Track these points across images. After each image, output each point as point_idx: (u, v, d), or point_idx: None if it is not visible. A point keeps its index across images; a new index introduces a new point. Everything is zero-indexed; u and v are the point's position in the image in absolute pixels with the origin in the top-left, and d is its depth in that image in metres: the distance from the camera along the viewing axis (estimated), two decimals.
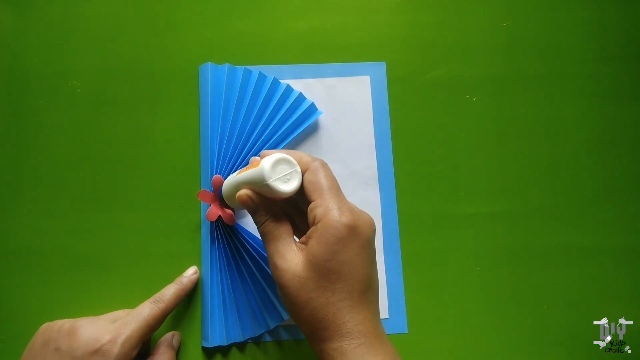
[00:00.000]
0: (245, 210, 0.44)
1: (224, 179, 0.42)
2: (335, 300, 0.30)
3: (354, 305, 0.31)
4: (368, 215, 0.33)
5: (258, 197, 0.34)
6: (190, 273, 0.42)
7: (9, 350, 0.41)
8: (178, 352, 0.41)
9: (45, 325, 0.37)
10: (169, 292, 0.39)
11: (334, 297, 0.30)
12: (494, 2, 0.49)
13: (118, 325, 0.35)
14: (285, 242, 0.32)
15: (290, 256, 0.32)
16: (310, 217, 0.32)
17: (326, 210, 0.31)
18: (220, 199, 0.41)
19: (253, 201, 0.34)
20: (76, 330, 0.34)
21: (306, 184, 0.33)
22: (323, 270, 0.30)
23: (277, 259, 0.32)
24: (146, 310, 0.37)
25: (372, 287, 0.32)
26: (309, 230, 0.32)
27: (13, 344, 0.41)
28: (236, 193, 0.34)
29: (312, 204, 0.32)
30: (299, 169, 0.33)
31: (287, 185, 0.32)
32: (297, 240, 0.34)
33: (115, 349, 0.33)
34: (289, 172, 0.32)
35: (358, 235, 0.31)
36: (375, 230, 0.33)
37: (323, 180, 0.32)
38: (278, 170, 0.32)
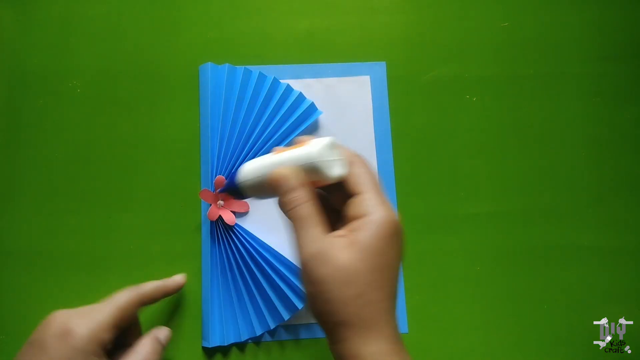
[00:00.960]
0: (248, 209, 0.44)
1: (224, 177, 0.42)
2: (381, 299, 0.28)
3: (394, 307, 0.29)
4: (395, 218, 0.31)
5: (301, 174, 0.30)
6: (177, 277, 0.41)
7: (9, 350, 0.41)
8: (179, 353, 0.41)
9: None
10: (149, 284, 0.38)
11: (380, 295, 0.28)
12: (494, 2, 0.49)
13: (90, 309, 0.35)
14: (324, 230, 0.29)
15: (335, 246, 0.28)
16: (354, 210, 0.30)
17: (378, 204, 0.29)
18: (230, 190, 0.36)
19: (295, 177, 0.30)
20: (53, 317, 0.34)
21: (351, 177, 0.30)
22: (373, 265, 0.28)
23: (316, 248, 0.28)
24: (121, 296, 0.36)
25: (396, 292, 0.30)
26: (355, 223, 0.29)
27: (13, 344, 0.41)
28: (268, 174, 0.31)
29: (359, 196, 0.30)
30: (344, 158, 0.31)
31: (334, 170, 0.30)
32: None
33: (83, 330, 0.33)
34: (336, 158, 0.30)
35: (401, 237, 0.30)
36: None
37: (370, 174, 0.31)
38: (327, 154, 0.30)
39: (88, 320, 0.33)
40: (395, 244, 0.29)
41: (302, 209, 0.30)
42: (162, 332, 0.38)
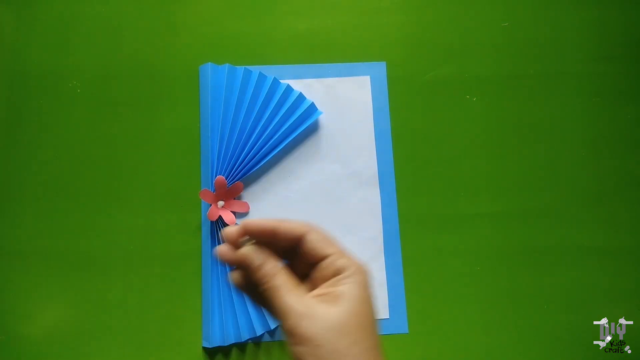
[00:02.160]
0: (248, 209, 0.44)
1: (225, 177, 0.43)
2: (372, 346, 0.29)
3: (381, 352, 0.30)
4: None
5: (263, 247, 0.32)
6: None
7: (9, 350, 0.41)
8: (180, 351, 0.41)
9: None
10: None
11: (371, 342, 0.29)
12: (494, 2, 0.49)
13: None
14: (302, 291, 0.31)
15: (321, 303, 0.30)
16: (326, 270, 0.31)
17: (349, 259, 0.31)
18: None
19: (257, 255, 0.31)
20: None
21: (315, 242, 0.32)
22: (362, 313, 0.30)
23: (303, 308, 0.30)
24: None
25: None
26: (332, 280, 0.31)
27: (13, 344, 0.41)
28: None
29: (331, 257, 0.32)
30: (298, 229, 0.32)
31: None
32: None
33: None
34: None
35: (371, 295, 0.32)
36: None
37: (328, 237, 0.32)
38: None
39: None
40: (371, 291, 0.31)
41: (277, 279, 0.31)
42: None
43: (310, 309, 0.29)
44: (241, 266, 0.32)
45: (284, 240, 0.32)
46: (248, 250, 0.31)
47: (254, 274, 0.31)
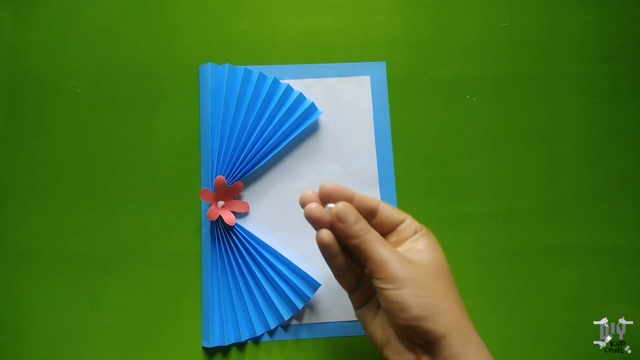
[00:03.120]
0: (248, 209, 0.44)
1: (225, 177, 0.43)
2: (457, 291, 0.33)
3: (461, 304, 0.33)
4: None
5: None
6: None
7: (9, 350, 0.41)
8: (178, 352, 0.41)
9: None
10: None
11: (456, 287, 0.33)
12: (494, 2, 0.49)
13: None
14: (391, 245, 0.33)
15: (413, 250, 0.33)
16: (409, 231, 0.34)
17: (418, 223, 0.35)
18: None
19: (354, 211, 0.33)
20: None
21: (389, 211, 0.34)
22: (446, 264, 0.33)
23: (401, 257, 0.31)
24: None
25: None
26: (413, 239, 0.34)
27: (13, 344, 0.41)
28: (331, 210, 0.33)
29: (407, 222, 0.34)
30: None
31: None
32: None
33: None
34: None
35: None
36: None
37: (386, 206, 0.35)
38: None
39: None
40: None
41: (372, 232, 0.32)
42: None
43: (408, 256, 0.32)
44: (334, 223, 0.32)
45: (360, 209, 0.33)
46: (345, 206, 0.32)
47: (349, 229, 0.32)
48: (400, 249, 0.33)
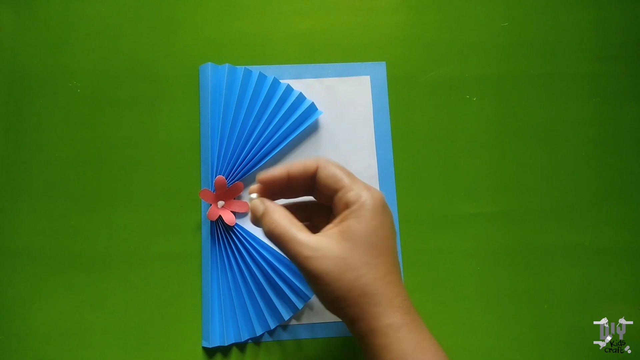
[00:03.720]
0: (248, 209, 0.44)
1: (225, 177, 0.43)
2: (382, 275, 0.31)
3: (398, 279, 0.31)
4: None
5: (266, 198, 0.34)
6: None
7: (9, 350, 0.41)
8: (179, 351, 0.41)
9: None
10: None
11: (379, 272, 0.31)
12: (494, 2, 0.49)
13: None
14: (306, 232, 0.32)
15: (322, 243, 0.31)
16: (340, 203, 0.33)
17: (358, 192, 0.32)
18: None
19: (260, 205, 0.33)
20: None
21: (325, 179, 0.33)
22: (366, 247, 0.31)
23: (307, 251, 0.31)
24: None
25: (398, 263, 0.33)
26: (343, 214, 0.32)
27: (13, 344, 0.41)
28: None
29: (340, 192, 0.33)
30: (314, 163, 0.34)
31: None
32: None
33: None
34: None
35: (389, 213, 0.33)
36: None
37: (340, 170, 0.33)
38: None
39: None
40: (385, 220, 0.32)
41: (280, 227, 0.32)
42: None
43: (315, 249, 0.31)
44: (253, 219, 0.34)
45: (300, 181, 0.34)
46: (253, 203, 0.34)
47: (261, 224, 0.33)
48: (330, 226, 0.33)
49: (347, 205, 0.32)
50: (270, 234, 0.33)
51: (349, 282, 0.30)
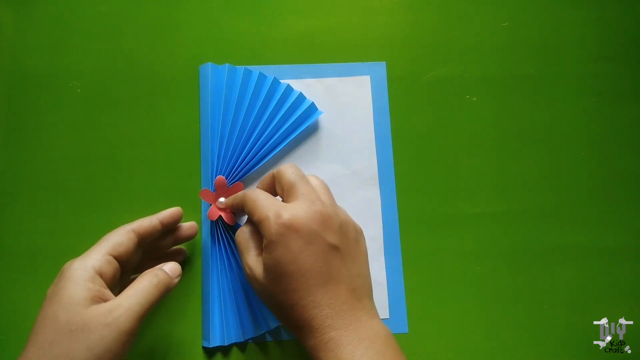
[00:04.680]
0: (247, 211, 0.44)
1: (225, 178, 0.43)
2: (297, 300, 0.32)
3: (315, 300, 0.32)
4: (311, 208, 0.33)
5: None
6: (171, 209, 0.40)
7: (9, 350, 0.41)
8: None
9: None
10: (143, 219, 0.39)
11: (294, 298, 0.32)
12: (494, 2, 0.49)
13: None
14: (252, 253, 0.35)
15: (255, 267, 0.34)
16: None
17: (260, 221, 0.33)
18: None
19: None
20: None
21: (248, 210, 0.36)
22: (276, 277, 0.32)
23: (249, 269, 0.35)
24: (114, 231, 0.38)
25: (333, 278, 0.32)
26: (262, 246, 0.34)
27: (13, 344, 0.41)
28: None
29: (259, 226, 0.34)
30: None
31: None
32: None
33: (75, 262, 0.36)
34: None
35: (298, 232, 0.32)
36: (324, 219, 0.33)
37: (249, 196, 0.36)
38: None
39: (82, 255, 0.35)
40: (290, 244, 0.32)
41: (237, 238, 0.37)
42: (167, 265, 0.36)
43: (251, 270, 0.35)
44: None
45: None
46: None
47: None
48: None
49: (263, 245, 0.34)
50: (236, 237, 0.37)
51: (273, 307, 0.34)
